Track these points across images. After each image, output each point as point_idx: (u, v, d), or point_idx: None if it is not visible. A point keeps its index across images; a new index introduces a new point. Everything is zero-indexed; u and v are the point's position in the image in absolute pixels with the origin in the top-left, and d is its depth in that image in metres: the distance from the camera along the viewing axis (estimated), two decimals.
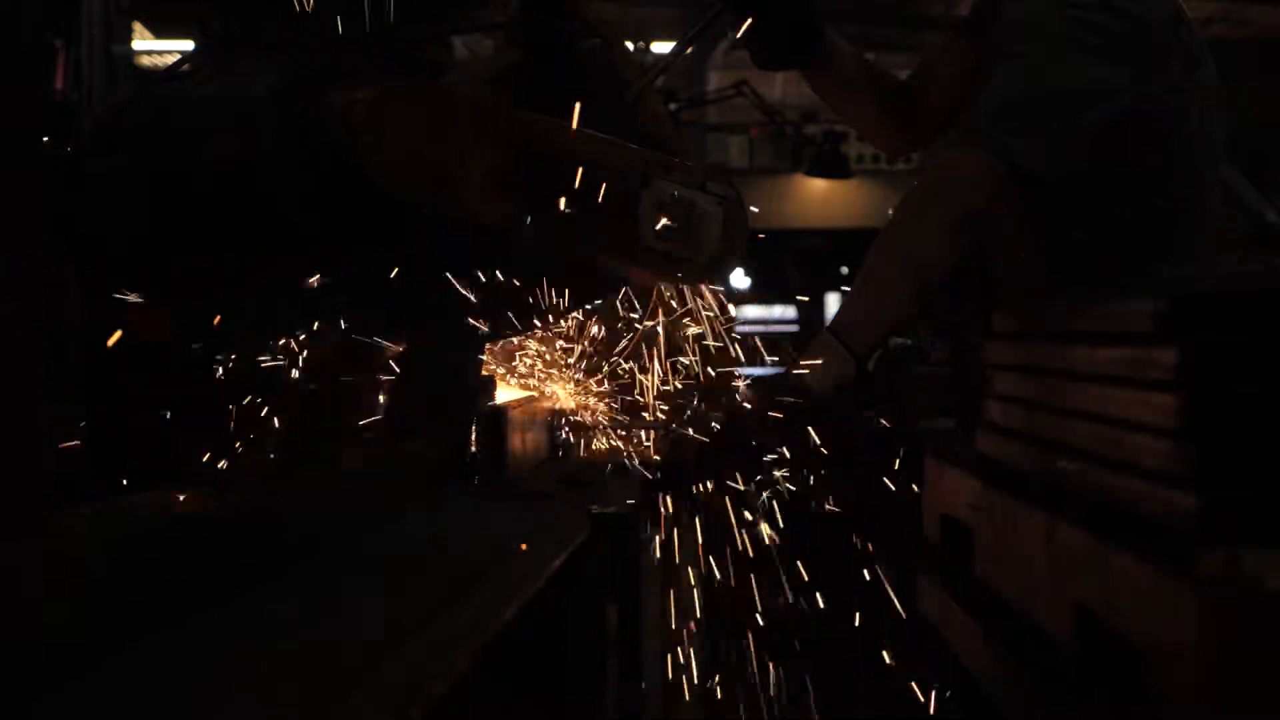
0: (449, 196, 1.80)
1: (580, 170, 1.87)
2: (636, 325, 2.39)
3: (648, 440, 2.53)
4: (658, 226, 1.92)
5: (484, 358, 2.31)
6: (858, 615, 2.42)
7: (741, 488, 2.05)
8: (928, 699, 2.05)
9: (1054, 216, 2.03)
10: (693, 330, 2.26)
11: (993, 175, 1.93)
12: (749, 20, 2.08)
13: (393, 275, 1.88)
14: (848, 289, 2.04)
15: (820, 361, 1.98)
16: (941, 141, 2.12)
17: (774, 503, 2.16)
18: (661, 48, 8.15)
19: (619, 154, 1.92)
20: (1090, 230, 2.01)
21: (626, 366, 2.50)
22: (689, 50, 2.26)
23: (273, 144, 1.78)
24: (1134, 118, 1.95)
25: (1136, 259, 1.98)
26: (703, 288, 2.14)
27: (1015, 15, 2.03)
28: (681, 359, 2.40)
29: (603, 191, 1.88)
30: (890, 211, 2.06)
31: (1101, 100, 1.93)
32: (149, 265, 1.93)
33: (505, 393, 2.54)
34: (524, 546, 1.63)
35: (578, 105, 1.88)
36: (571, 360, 2.58)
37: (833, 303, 10.77)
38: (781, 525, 2.23)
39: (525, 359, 2.61)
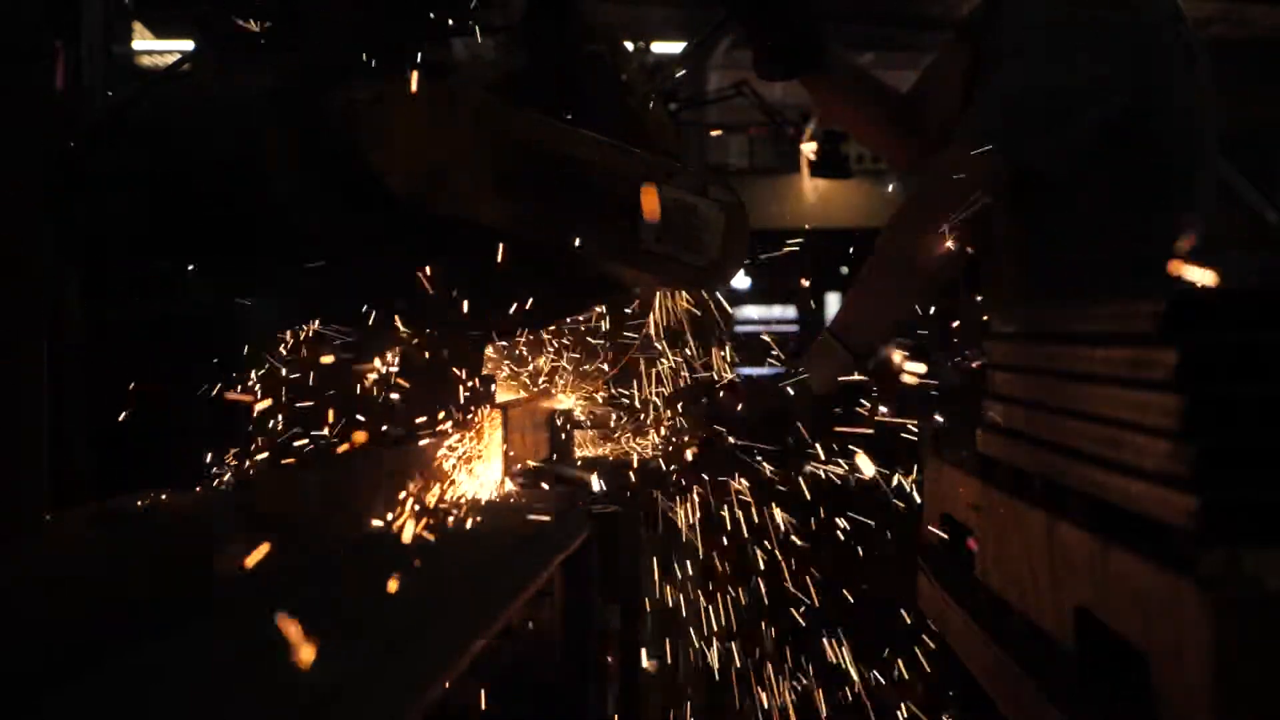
0: (449, 196, 1.80)
1: (583, 171, 1.87)
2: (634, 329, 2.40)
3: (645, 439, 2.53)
4: (658, 230, 1.92)
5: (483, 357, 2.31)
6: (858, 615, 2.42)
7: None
8: (928, 699, 2.06)
9: (1052, 214, 2.03)
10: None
11: (994, 174, 1.93)
12: (754, 32, 2.08)
13: (390, 274, 1.88)
14: (849, 289, 2.05)
15: (820, 361, 1.98)
16: (943, 144, 2.12)
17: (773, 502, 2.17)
18: (661, 48, 8.15)
19: (621, 157, 1.92)
20: (1087, 228, 2.01)
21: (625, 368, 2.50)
22: (690, 57, 2.27)
23: (273, 143, 1.79)
24: (1133, 115, 1.95)
25: (1134, 257, 1.98)
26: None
27: (1015, 14, 2.03)
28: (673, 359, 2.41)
29: (604, 194, 1.88)
30: (891, 211, 2.07)
31: (1102, 98, 1.93)
32: (149, 265, 1.93)
33: (505, 393, 2.54)
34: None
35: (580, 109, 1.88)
36: (570, 362, 2.58)
37: (833, 303, 10.76)
38: (782, 524, 2.24)
39: (525, 359, 2.61)
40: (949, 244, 1.96)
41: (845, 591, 2.44)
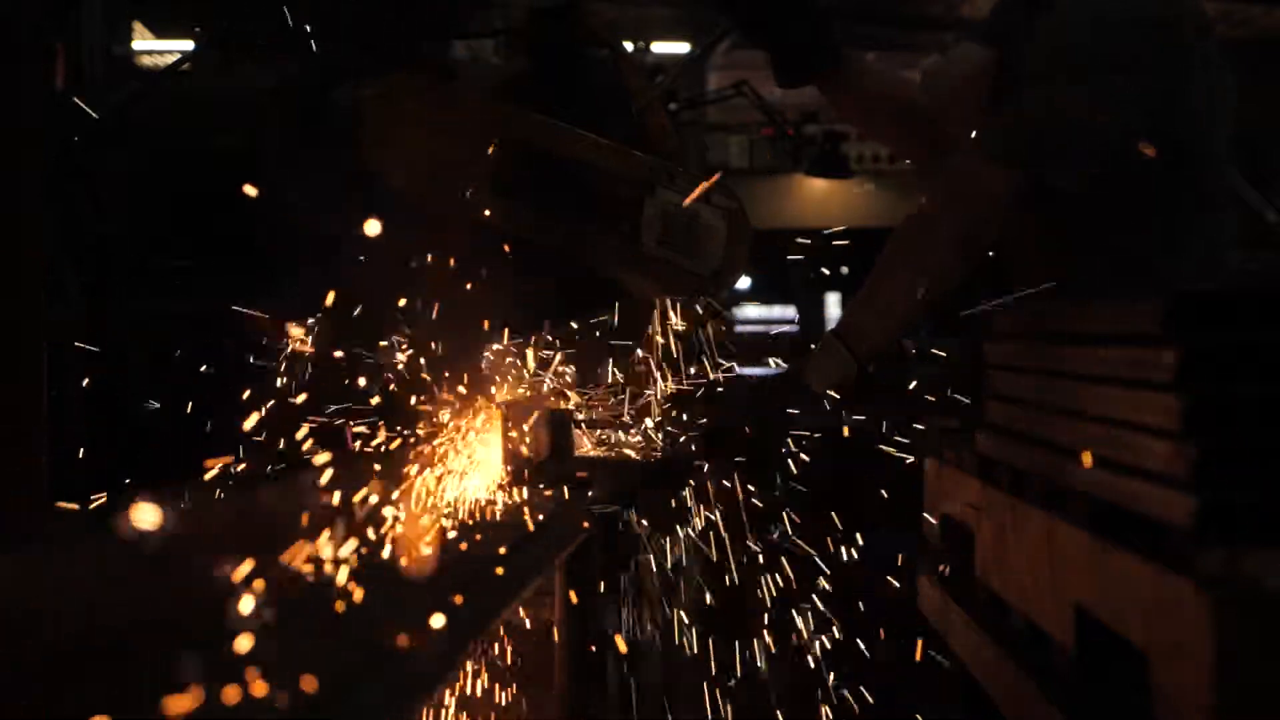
0: (452, 195, 1.80)
1: (584, 174, 1.87)
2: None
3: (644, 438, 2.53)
4: (659, 235, 1.92)
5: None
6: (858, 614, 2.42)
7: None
8: (929, 698, 2.06)
9: (1070, 222, 2.02)
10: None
11: (1013, 190, 1.92)
12: (766, 43, 2.07)
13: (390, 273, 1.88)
14: (843, 288, 2.04)
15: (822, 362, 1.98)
16: (960, 151, 2.10)
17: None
18: (662, 48, 8.14)
19: (624, 160, 1.91)
20: (1106, 236, 2.00)
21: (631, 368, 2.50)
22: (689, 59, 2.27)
23: (276, 140, 1.79)
24: (1156, 130, 1.94)
25: (1150, 264, 1.97)
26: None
27: (1047, 33, 2.01)
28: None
29: (606, 197, 1.88)
30: (903, 212, 2.05)
31: (1128, 119, 1.92)
32: (151, 262, 1.93)
33: (506, 393, 2.54)
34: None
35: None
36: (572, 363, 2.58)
37: (833, 303, 10.76)
38: (781, 525, 2.24)
39: (526, 360, 2.61)
40: (962, 257, 1.95)
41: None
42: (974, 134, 2.05)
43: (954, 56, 2.35)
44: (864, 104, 2.28)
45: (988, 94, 2.15)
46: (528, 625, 2.00)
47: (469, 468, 2.05)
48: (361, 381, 1.94)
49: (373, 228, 1.80)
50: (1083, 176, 1.91)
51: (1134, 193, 1.98)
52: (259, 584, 1.29)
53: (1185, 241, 1.99)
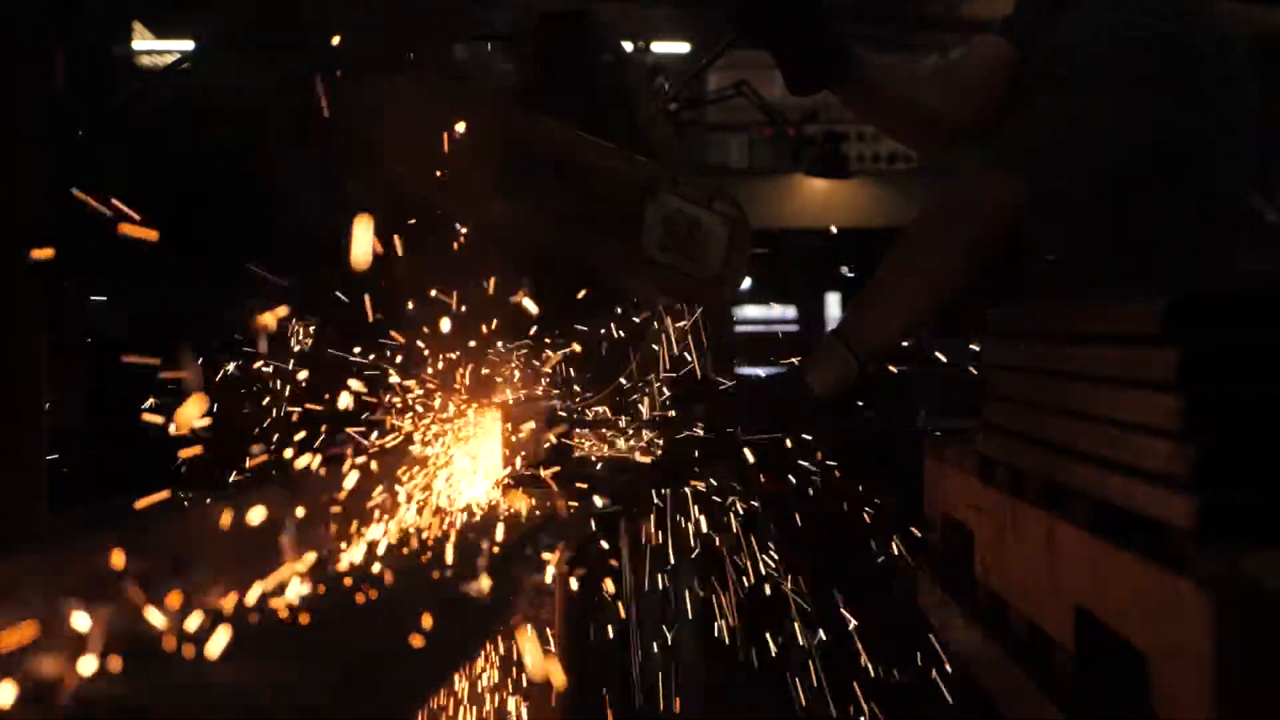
0: (455, 193, 1.81)
1: (586, 177, 1.87)
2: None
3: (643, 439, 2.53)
4: (660, 240, 1.92)
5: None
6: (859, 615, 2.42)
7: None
8: (927, 698, 2.06)
9: (1082, 230, 2.01)
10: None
11: (1023, 200, 1.92)
12: (776, 52, 2.06)
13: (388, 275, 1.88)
14: (845, 288, 2.04)
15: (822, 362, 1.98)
16: (969, 156, 2.09)
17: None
18: (662, 48, 8.14)
19: (627, 164, 1.92)
20: (1118, 244, 2.00)
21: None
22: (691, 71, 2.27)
23: (278, 138, 1.79)
24: (1172, 142, 1.94)
25: (1152, 266, 1.97)
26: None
27: (1062, 40, 2.00)
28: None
29: (608, 200, 1.88)
30: (903, 212, 2.05)
31: (1143, 132, 1.92)
32: (150, 260, 1.93)
33: (504, 393, 2.54)
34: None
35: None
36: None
37: (833, 303, 10.77)
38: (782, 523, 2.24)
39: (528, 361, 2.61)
40: (968, 264, 1.95)
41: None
42: (983, 137, 2.05)
43: (972, 50, 2.32)
44: (877, 107, 2.27)
45: (1007, 89, 2.13)
46: (527, 625, 2.00)
47: (468, 468, 2.05)
48: (357, 383, 1.94)
49: (375, 227, 1.80)
50: (1086, 185, 1.91)
51: (1138, 200, 1.97)
52: (260, 584, 1.29)
53: (1189, 248, 1.99)
